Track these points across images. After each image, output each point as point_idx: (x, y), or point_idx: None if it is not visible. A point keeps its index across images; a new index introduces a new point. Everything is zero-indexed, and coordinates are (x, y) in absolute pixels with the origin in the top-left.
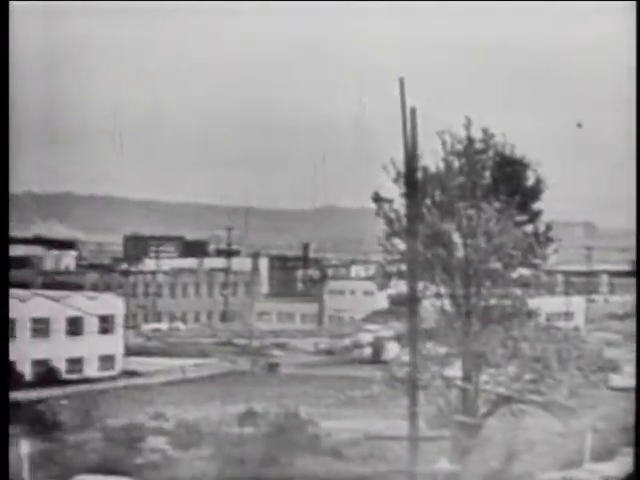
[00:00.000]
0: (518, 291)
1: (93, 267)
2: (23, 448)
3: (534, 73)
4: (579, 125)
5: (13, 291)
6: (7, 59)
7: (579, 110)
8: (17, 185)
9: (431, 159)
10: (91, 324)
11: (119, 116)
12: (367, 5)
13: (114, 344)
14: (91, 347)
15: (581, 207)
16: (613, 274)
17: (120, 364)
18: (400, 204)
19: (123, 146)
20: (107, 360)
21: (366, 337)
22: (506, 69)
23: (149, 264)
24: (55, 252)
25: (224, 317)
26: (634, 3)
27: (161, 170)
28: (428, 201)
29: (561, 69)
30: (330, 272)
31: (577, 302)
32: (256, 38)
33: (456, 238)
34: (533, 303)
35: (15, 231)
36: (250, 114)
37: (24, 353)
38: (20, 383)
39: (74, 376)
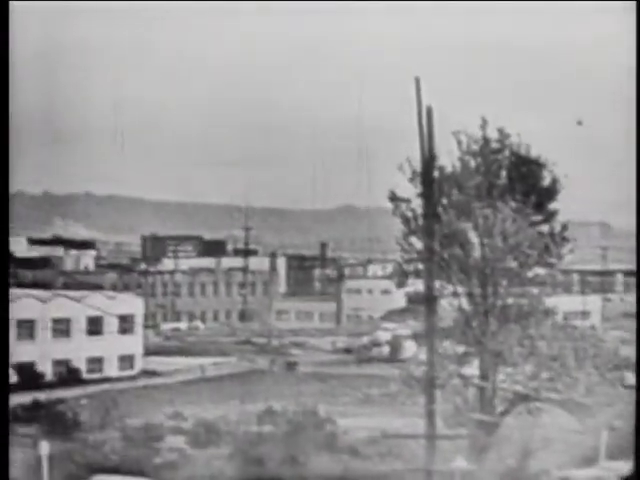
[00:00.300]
0: (535, 290)
1: (112, 267)
2: (43, 449)
3: (534, 73)
4: (579, 123)
5: (34, 292)
6: (7, 59)
7: (579, 110)
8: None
9: (446, 159)
10: (111, 324)
11: (119, 116)
12: (367, 5)
13: (134, 344)
14: (111, 347)
15: (595, 207)
16: (628, 273)
17: (139, 364)
18: (417, 204)
19: (124, 146)
20: (127, 360)
21: (384, 336)
22: (506, 69)
23: (167, 264)
24: (74, 252)
25: (243, 316)
26: (634, 3)
27: (161, 170)
28: (445, 201)
29: (561, 69)
30: (347, 271)
31: (593, 301)
32: (256, 38)
33: (473, 237)
34: (550, 302)
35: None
36: (250, 114)
37: (45, 353)
38: (41, 383)
39: (94, 376)
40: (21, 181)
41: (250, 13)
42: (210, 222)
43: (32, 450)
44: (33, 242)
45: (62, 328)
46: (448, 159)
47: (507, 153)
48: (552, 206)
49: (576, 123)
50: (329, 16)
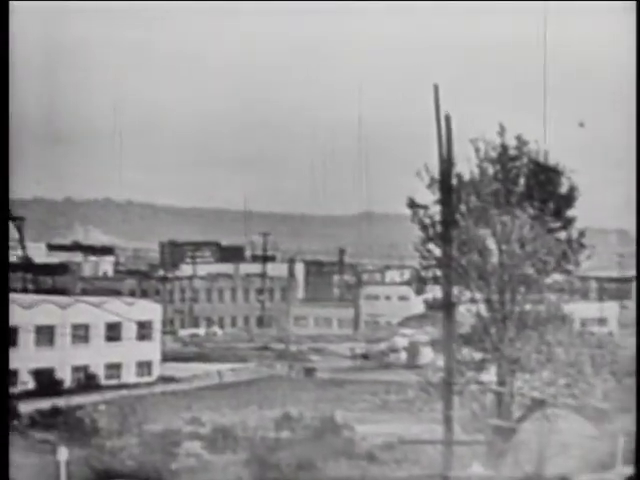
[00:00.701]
0: (552, 297)
1: (131, 273)
2: (61, 455)
3: (533, 73)
4: (581, 125)
5: (54, 298)
6: (7, 59)
7: (579, 110)
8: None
9: (464, 165)
10: (129, 330)
11: (119, 116)
12: (368, 5)
13: (152, 350)
14: (129, 353)
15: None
16: None
17: (157, 370)
18: (435, 211)
19: (124, 147)
20: (145, 366)
21: (401, 342)
22: (505, 69)
23: (185, 269)
24: (93, 258)
25: (261, 322)
26: (634, 3)
27: (162, 172)
28: (463, 207)
29: (560, 69)
30: (365, 277)
31: (610, 308)
32: (256, 38)
33: (491, 244)
34: (567, 308)
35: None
36: (250, 114)
37: (64, 360)
38: (60, 390)
39: (112, 382)
40: (22, 182)
41: (250, 13)
42: (227, 228)
43: (50, 456)
44: (52, 248)
45: (81, 334)
46: (467, 165)
47: (525, 160)
48: (570, 213)
49: (578, 125)
50: (329, 16)
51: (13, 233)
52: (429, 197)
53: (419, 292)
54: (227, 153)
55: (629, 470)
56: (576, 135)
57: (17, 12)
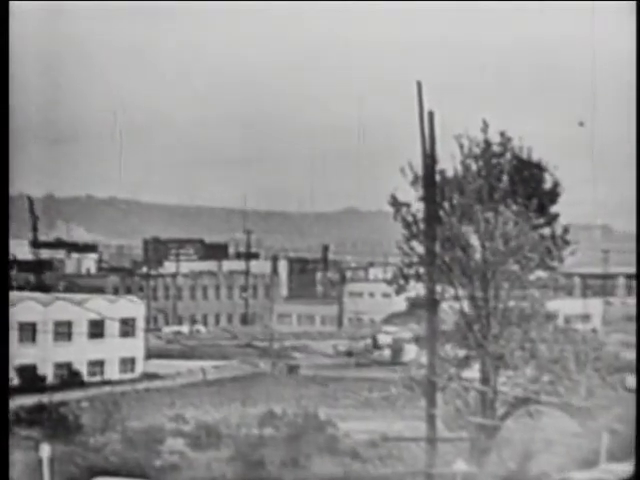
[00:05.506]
0: (536, 293)
1: (114, 270)
2: (44, 451)
3: (532, 72)
4: (581, 124)
5: (36, 295)
6: (7, 59)
7: (579, 110)
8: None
9: (448, 162)
10: (112, 327)
11: (119, 116)
12: (368, 6)
13: (135, 347)
14: (112, 350)
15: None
16: (629, 276)
17: (141, 366)
18: (417, 208)
19: (125, 146)
20: (128, 362)
21: (385, 339)
22: (504, 68)
23: (169, 267)
24: (76, 255)
25: (244, 320)
26: (634, 3)
27: (161, 171)
28: (446, 204)
29: (560, 69)
30: (348, 274)
31: (594, 304)
32: (256, 38)
33: (474, 240)
34: (551, 305)
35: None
36: (250, 114)
37: (46, 356)
38: (43, 386)
39: (96, 379)
40: (23, 182)
41: (250, 13)
42: (211, 225)
43: (33, 452)
44: (37, 245)
45: (63, 331)
46: (450, 163)
47: (509, 156)
48: (553, 209)
49: (578, 124)
50: (330, 16)
51: None
52: (415, 194)
53: (399, 292)
54: (227, 153)
55: (613, 467)
56: (576, 132)
57: (17, 12)
